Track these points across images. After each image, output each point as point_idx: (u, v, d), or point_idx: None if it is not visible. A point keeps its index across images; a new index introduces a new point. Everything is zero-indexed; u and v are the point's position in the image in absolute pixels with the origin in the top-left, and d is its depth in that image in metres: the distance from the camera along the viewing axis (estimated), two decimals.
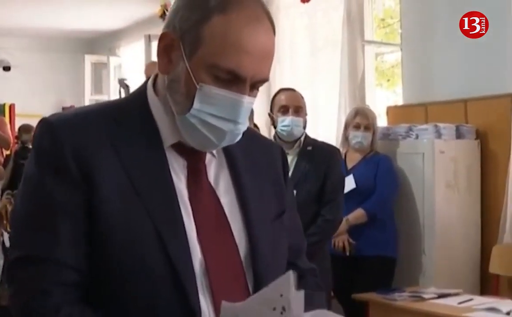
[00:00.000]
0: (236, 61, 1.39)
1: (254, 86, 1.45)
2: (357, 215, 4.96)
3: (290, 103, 4.39)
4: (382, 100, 7.80)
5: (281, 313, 1.24)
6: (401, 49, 6.37)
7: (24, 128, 8.80)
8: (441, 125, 5.30)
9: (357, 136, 5.17)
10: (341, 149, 5.16)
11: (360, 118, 5.20)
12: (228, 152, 1.55)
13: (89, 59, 11.79)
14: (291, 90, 4.58)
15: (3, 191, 6.87)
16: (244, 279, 1.47)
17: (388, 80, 9.58)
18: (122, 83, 8.52)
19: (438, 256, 5.11)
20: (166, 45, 1.45)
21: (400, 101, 6.48)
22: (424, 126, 5.37)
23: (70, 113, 1.51)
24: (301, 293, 1.27)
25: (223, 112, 1.42)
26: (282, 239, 1.58)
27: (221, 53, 1.39)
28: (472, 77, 5.55)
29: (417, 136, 5.34)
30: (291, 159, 4.30)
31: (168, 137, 1.48)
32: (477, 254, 5.35)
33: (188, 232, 1.42)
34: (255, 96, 1.47)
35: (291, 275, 1.25)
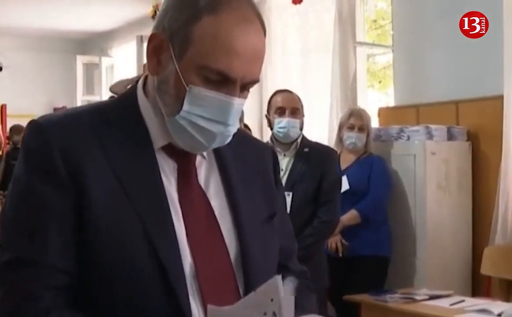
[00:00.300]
0: (226, 62, 1.38)
1: (244, 88, 1.43)
2: (350, 216, 4.95)
3: (287, 105, 4.38)
4: (373, 101, 7.83)
5: None
6: (393, 51, 6.39)
7: (16, 129, 8.78)
8: (432, 126, 5.31)
9: (351, 137, 5.17)
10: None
11: (354, 119, 5.20)
12: (219, 154, 1.55)
13: (81, 60, 11.76)
14: (288, 91, 4.57)
15: None
16: (234, 282, 1.46)
17: (380, 81, 9.60)
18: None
19: (429, 257, 5.12)
20: (155, 46, 1.44)
21: (391, 103, 6.50)
22: (416, 127, 5.38)
23: (59, 115, 1.49)
24: (292, 298, 1.26)
25: (213, 114, 1.41)
26: (272, 242, 1.57)
27: (211, 54, 1.38)
28: (463, 78, 5.56)
29: (408, 138, 5.35)
30: (288, 160, 4.31)
31: (158, 139, 1.47)
32: (469, 255, 5.37)
33: (178, 235, 1.41)
34: (245, 97, 1.46)
35: (278, 280, 1.24)
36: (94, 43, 11.82)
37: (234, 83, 1.40)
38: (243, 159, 1.59)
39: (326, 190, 4.25)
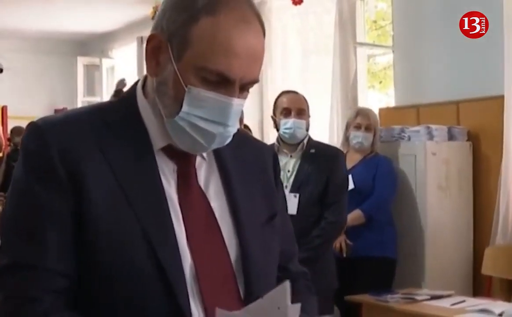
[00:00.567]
0: (224, 63, 1.37)
1: (243, 88, 1.43)
2: (355, 216, 4.89)
3: (293, 106, 4.37)
4: (374, 102, 7.83)
5: None
6: (393, 51, 6.39)
7: (17, 131, 8.79)
8: (433, 127, 5.31)
9: (357, 137, 5.13)
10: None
11: (361, 119, 5.16)
12: (219, 155, 1.54)
13: (81, 61, 11.77)
14: (294, 92, 4.56)
15: None
16: (234, 284, 1.46)
17: (380, 82, 9.61)
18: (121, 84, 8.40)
19: (430, 257, 5.12)
20: (154, 47, 1.43)
21: (392, 103, 6.50)
22: (416, 128, 5.38)
23: (58, 116, 1.48)
24: (298, 305, 1.26)
25: (212, 115, 1.40)
26: (273, 243, 1.57)
27: (209, 56, 1.37)
28: (464, 79, 5.57)
29: (409, 138, 5.35)
30: (294, 162, 4.31)
31: (157, 141, 1.46)
32: (470, 255, 5.37)
33: (178, 236, 1.40)
34: (245, 98, 1.45)
35: (287, 287, 1.24)
36: (95, 44, 11.82)
37: (233, 84, 1.40)
38: (243, 159, 1.59)
39: (333, 191, 4.24)
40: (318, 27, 7.30)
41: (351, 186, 4.87)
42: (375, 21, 8.65)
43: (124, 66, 11.04)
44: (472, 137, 5.44)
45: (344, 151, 5.12)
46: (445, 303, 4.10)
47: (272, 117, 4.54)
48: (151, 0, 7.51)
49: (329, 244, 4.34)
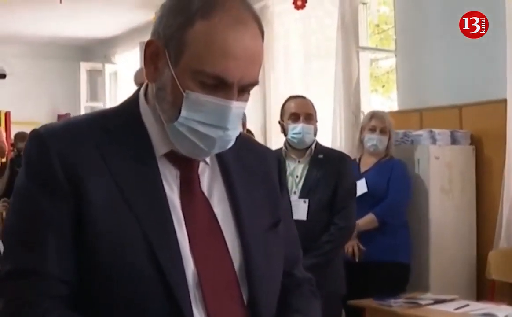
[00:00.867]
0: (221, 66, 1.36)
1: (243, 90, 1.42)
2: (367, 220, 4.82)
3: (301, 111, 4.36)
4: (377, 106, 7.82)
5: None
6: (396, 55, 6.39)
7: (20, 136, 8.79)
8: (436, 131, 5.31)
9: (372, 139, 5.05)
10: (355, 153, 5.12)
11: (375, 121, 5.07)
12: (222, 161, 1.54)
13: (84, 67, 11.78)
14: (301, 97, 4.55)
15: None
16: (238, 290, 1.45)
17: (383, 86, 9.61)
18: None
19: (433, 261, 5.11)
20: (152, 53, 1.44)
21: (395, 107, 6.49)
22: (419, 132, 5.37)
23: (60, 124, 1.49)
24: None
25: (211, 119, 1.40)
26: (277, 249, 1.56)
27: (206, 59, 1.37)
28: (466, 82, 5.56)
29: (412, 142, 5.34)
30: (303, 167, 4.30)
31: (160, 147, 1.46)
32: (473, 259, 5.36)
33: (181, 242, 1.40)
34: (246, 100, 1.44)
35: None
36: (98, 50, 11.83)
37: (231, 87, 1.39)
38: (246, 164, 1.58)
39: (342, 196, 4.23)
40: (320, 31, 7.31)
41: (364, 189, 4.85)
42: (377, 25, 8.65)
43: (127, 71, 11.04)
44: (475, 141, 5.44)
45: (358, 155, 5.10)
46: (448, 307, 4.10)
47: (279, 122, 4.52)
48: (153, 5, 7.53)
49: (339, 249, 4.33)
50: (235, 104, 1.40)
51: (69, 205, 1.37)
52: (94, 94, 11.86)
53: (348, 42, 6.39)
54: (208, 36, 1.37)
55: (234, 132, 1.44)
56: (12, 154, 9.07)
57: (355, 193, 4.45)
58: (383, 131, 5.05)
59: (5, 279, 1.39)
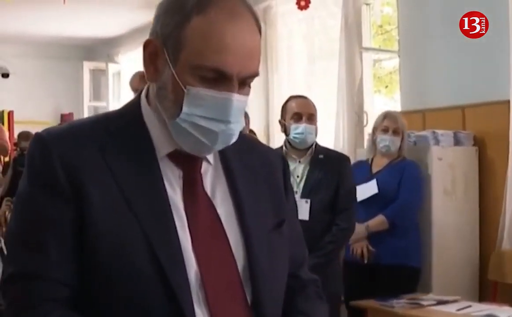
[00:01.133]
0: (219, 59, 1.37)
1: (243, 83, 1.43)
2: (378, 221, 4.77)
3: (304, 111, 4.36)
4: (380, 106, 7.81)
5: None
6: (399, 56, 6.38)
7: (23, 136, 8.80)
8: (438, 131, 5.30)
9: (384, 140, 4.97)
10: (367, 155, 5.08)
11: (388, 122, 5.00)
12: (225, 160, 1.54)
13: (87, 66, 11.78)
14: (303, 97, 4.55)
15: (2, 198, 6.88)
16: (241, 291, 1.45)
17: (386, 86, 9.60)
18: None
19: (436, 262, 5.10)
20: (151, 53, 1.45)
21: (398, 108, 6.48)
22: (422, 133, 5.37)
23: (62, 127, 1.50)
24: None
25: (213, 113, 1.40)
26: (281, 249, 1.55)
27: (203, 53, 1.38)
28: (469, 83, 5.56)
29: (415, 143, 5.33)
30: (303, 167, 4.30)
31: (162, 147, 1.47)
32: (476, 260, 5.36)
33: (183, 243, 1.40)
34: (247, 94, 1.45)
35: None
36: (101, 49, 11.84)
37: (231, 79, 1.39)
38: (250, 164, 1.58)
39: (343, 197, 4.24)
40: (323, 32, 7.31)
41: (375, 190, 4.81)
42: (380, 26, 8.64)
43: (130, 71, 11.03)
44: (478, 142, 5.43)
45: (371, 156, 5.06)
46: (451, 308, 4.10)
47: (280, 121, 4.52)
48: (156, 5, 7.52)
49: (339, 250, 4.36)
50: (236, 97, 1.41)
51: (71, 208, 1.38)
52: (97, 94, 11.86)
53: (351, 43, 6.39)
54: (205, 30, 1.38)
55: (236, 126, 1.44)
56: (15, 153, 9.09)
57: (356, 194, 4.45)
58: (395, 132, 4.98)
59: (7, 282, 1.40)
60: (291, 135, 4.34)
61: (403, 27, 6.29)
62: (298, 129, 4.31)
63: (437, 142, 5.26)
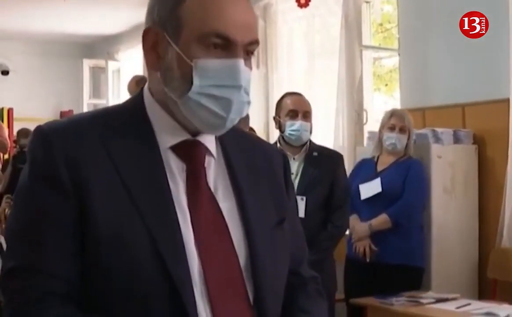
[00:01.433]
0: (221, 24, 1.40)
1: (247, 52, 1.45)
2: (381, 220, 4.73)
3: (299, 108, 4.36)
4: (379, 104, 7.83)
5: None
6: (399, 54, 6.38)
7: (23, 133, 8.80)
8: (438, 130, 5.30)
9: (391, 138, 4.91)
10: (373, 153, 5.06)
11: (395, 120, 4.95)
12: (227, 157, 1.54)
13: (87, 64, 11.77)
14: (298, 94, 4.55)
15: (2, 195, 6.88)
16: (243, 287, 1.45)
17: (386, 85, 9.60)
18: None
19: (435, 260, 5.10)
20: (151, 41, 1.46)
21: (397, 106, 6.48)
22: (422, 131, 5.37)
23: (63, 121, 1.50)
24: None
25: (223, 80, 1.41)
26: (283, 247, 1.55)
27: (204, 22, 1.40)
28: (469, 82, 5.56)
29: (414, 141, 5.32)
30: (298, 164, 4.32)
31: (166, 140, 1.46)
32: (475, 258, 5.36)
33: (185, 238, 1.40)
34: (250, 67, 1.46)
35: None
36: (101, 47, 11.83)
37: (236, 45, 1.41)
38: (252, 162, 1.58)
39: (338, 195, 4.28)
40: (324, 30, 7.31)
41: (378, 189, 4.79)
42: (381, 24, 8.64)
43: (130, 68, 11.05)
44: (478, 141, 5.44)
45: (377, 154, 5.03)
46: (450, 306, 4.10)
47: (274, 118, 4.52)
48: None
49: (334, 247, 4.37)
50: (243, 63, 1.43)
51: (72, 202, 1.37)
52: (97, 91, 11.85)
53: (352, 41, 6.39)
54: (203, 1, 1.41)
55: (247, 96, 1.45)
56: (14, 151, 9.09)
57: (350, 191, 4.48)
58: (402, 130, 4.92)
59: (7, 277, 1.39)
60: (287, 132, 4.34)
61: (403, 26, 6.29)
62: (293, 126, 4.32)
63: (437, 140, 5.26)
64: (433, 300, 4.21)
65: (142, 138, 1.45)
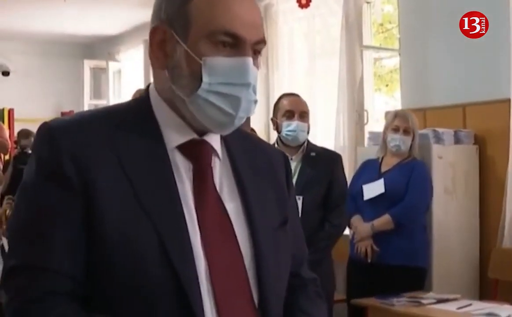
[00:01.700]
0: (229, 22, 1.40)
1: (254, 51, 1.45)
2: (383, 221, 4.72)
3: (296, 108, 4.38)
4: (380, 105, 7.82)
5: None
6: (400, 54, 6.38)
7: (23, 134, 8.80)
8: (439, 130, 5.31)
9: (395, 139, 4.90)
10: (378, 154, 5.05)
11: (399, 121, 4.93)
12: (231, 157, 1.54)
13: (88, 64, 11.76)
14: (295, 95, 4.57)
15: (3, 196, 6.87)
16: (248, 287, 1.45)
17: (387, 85, 9.59)
18: None
19: (436, 261, 5.11)
20: (159, 40, 1.46)
21: (398, 106, 6.48)
22: (423, 131, 5.35)
23: (70, 119, 1.48)
24: None
25: (232, 78, 1.42)
26: (285, 248, 1.56)
27: (212, 20, 1.40)
28: (470, 82, 5.56)
29: None
30: (295, 165, 4.32)
31: (173, 139, 1.46)
32: (476, 259, 5.37)
33: (192, 237, 1.40)
34: (258, 67, 1.47)
35: None
36: (101, 47, 11.83)
37: (244, 43, 1.42)
38: (255, 163, 1.58)
39: (336, 195, 4.29)
40: (324, 30, 7.30)
41: (381, 190, 4.78)
42: (381, 24, 8.64)
43: (131, 69, 11.06)
44: (479, 141, 5.44)
45: (381, 155, 5.02)
46: (451, 306, 4.10)
47: (272, 119, 4.54)
48: None
49: (332, 247, 4.37)
50: (251, 61, 1.43)
51: (78, 199, 1.36)
52: (97, 92, 11.85)
53: (352, 41, 6.39)
54: (209, 1, 1.42)
55: (255, 92, 1.45)
56: (15, 151, 9.09)
57: (347, 191, 4.49)
58: (406, 131, 4.91)
59: (10, 275, 1.38)
60: (283, 133, 4.36)
61: (404, 26, 6.29)
62: (290, 126, 4.33)
63: (437, 140, 5.27)
64: (434, 301, 4.21)
65: (149, 137, 1.45)
